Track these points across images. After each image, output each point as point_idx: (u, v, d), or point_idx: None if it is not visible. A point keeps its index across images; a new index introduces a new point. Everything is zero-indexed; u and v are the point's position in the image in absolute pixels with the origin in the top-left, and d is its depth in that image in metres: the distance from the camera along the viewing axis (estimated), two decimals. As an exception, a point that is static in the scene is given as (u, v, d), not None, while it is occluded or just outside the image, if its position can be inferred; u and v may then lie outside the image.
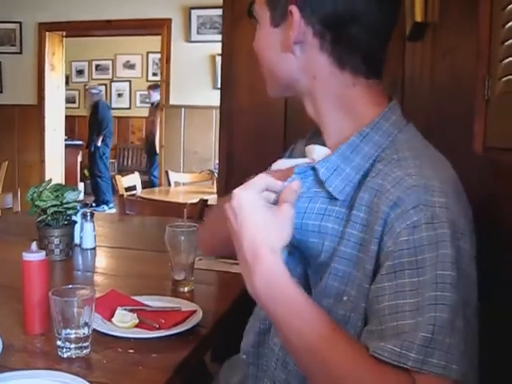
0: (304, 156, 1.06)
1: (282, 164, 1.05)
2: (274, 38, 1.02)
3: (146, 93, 9.25)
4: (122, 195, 3.85)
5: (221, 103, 3.01)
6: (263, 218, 0.89)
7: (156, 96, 8.56)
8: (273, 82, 1.09)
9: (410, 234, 0.84)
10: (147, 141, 8.97)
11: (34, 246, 1.28)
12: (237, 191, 0.90)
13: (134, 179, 5.30)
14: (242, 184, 0.92)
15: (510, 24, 0.99)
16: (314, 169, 0.98)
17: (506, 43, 1.00)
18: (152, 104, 8.81)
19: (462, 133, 1.30)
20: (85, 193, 9.09)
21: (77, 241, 2.03)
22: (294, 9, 0.96)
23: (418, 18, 1.86)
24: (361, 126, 0.99)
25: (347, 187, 0.95)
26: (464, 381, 0.80)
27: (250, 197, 0.90)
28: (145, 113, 9.58)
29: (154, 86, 8.76)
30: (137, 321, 1.30)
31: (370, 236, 0.90)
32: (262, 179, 0.92)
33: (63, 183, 7.27)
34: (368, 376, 0.82)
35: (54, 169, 7.32)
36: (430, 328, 0.78)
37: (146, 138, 9.17)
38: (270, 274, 0.87)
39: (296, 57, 1.00)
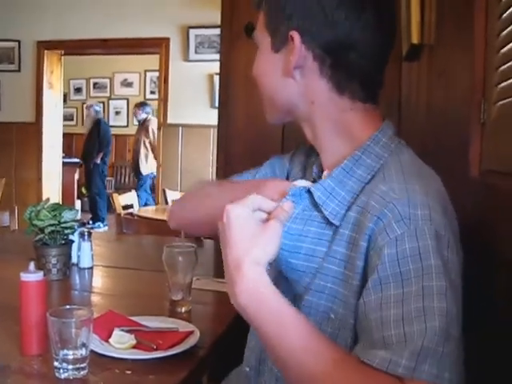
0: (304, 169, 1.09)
1: (299, 183, 1.07)
2: (275, 64, 1.04)
3: (133, 111, 9.16)
4: (119, 214, 3.85)
5: (218, 122, 3.02)
6: (250, 232, 0.87)
7: (142, 114, 8.58)
8: (272, 108, 1.11)
9: (393, 247, 0.85)
10: (133, 160, 8.91)
11: (31, 266, 1.28)
12: (228, 206, 0.89)
13: (131, 197, 5.30)
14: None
15: (504, 49, 1.00)
16: (309, 191, 0.99)
17: (501, 68, 1.02)
18: (139, 122, 8.80)
19: (457, 156, 1.31)
20: (82, 210, 9.08)
21: (74, 260, 2.03)
22: (295, 34, 0.98)
23: (415, 39, 1.88)
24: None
25: (342, 210, 0.97)
26: None
27: (239, 212, 0.88)
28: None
29: (140, 105, 8.78)
30: (134, 342, 1.29)
31: (355, 253, 0.91)
32: (256, 199, 0.91)
33: (60, 201, 7.31)
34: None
35: (52, 186, 7.32)
36: (421, 338, 0.78)
37: (132, 158, 9.10)
38: (251, 284, 0.85)
39: (296, 82, 1.02)
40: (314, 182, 1.09)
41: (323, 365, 0.82)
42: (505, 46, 1.00)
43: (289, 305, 0.86)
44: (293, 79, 1.02)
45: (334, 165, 1.02)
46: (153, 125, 8.46)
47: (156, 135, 8.30)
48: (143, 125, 8.62)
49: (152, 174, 8.58)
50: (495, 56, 1.06)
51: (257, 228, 0.88)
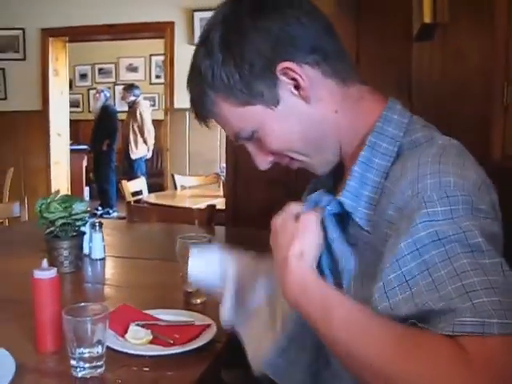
0: None
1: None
2: (288, 114, 0.98)
3: (121, 95, 8.72)
4: (129, 202, 3.82)
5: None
6: (289, 233, 0.92)
7: (131, 97, 8.27)
8: (318, 154, 1.03)
9: (426, 213, 0.79)
10: (122, 146, 8.54)
11: (44, 263, 1.26)
12: (274, 219, 0.97)
13: (141, 184, 5.28)
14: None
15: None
16: (339, 202, 0.96)
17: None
18: (128, 106, 8.44)
19: (473, 139, 1.27)
20: (90, 197, 9.07)
21: (86, 251, 2.02)
22: (285, 64, 0.94)
23: (427, 18, 1.83)
24: None
25: (371, 212, 0.93)
26: None
27: (279, 220, 0.96)
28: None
29: (128, 87, 8.44)
30: (151, 337, 1.28)
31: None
32: (291, 205, 0.98)
33: (69, 188, 7.31)
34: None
35: (60, 174, 7.31)
36: (482, 292, 0.70)
37: (122, 144, 8.60)
38: (298, 277, 0.87)
39: (311, 105, 0.97)
40: None
41: (382, 344, 0.74)
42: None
43: (334, 289, 0.86)
44: (309, 104, 0.97)
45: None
46: (142, 107, 8.24)
47: (145, 118, 8.20)
48: (131, 108, 8.30)
49: (145, 157, 8.48)
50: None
51: (294, 226, 0.93)
